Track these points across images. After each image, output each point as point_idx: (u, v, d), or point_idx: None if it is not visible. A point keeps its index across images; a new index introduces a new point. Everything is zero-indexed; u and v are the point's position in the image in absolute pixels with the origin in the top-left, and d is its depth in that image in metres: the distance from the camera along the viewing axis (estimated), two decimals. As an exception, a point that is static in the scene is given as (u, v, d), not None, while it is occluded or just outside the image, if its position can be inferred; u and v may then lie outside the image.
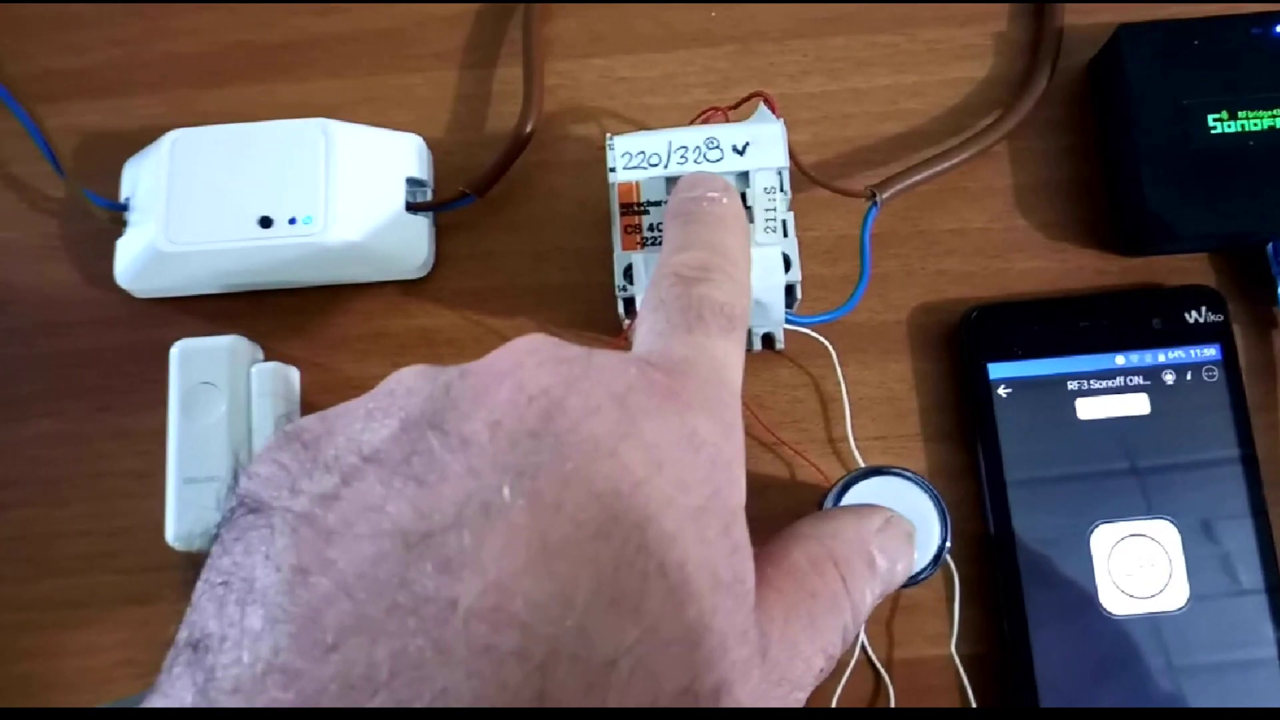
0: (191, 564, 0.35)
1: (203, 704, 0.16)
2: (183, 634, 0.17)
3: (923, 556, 0.29)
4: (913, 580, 0.30)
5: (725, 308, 0.23)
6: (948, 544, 0.29)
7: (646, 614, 0.17)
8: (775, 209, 0.32)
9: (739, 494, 0.21)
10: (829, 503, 0.30)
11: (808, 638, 0.22)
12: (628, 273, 0.31)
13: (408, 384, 0.20)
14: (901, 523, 0.26)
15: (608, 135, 0.32)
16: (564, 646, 0.16)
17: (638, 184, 0.32)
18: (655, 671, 0.17)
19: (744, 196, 0.32)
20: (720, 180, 0.28)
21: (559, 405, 0.19)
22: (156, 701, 0.16)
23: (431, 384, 0.20)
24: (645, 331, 0.23)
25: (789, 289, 0.32)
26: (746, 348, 0.35)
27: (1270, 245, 0.35)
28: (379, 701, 0.15)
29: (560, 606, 0.17)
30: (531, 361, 0.20)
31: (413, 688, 0.15)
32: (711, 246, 0.25)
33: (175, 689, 0.16)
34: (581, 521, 0.18)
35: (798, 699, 0.21)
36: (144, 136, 0.37)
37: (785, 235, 0.32)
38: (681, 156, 0.32)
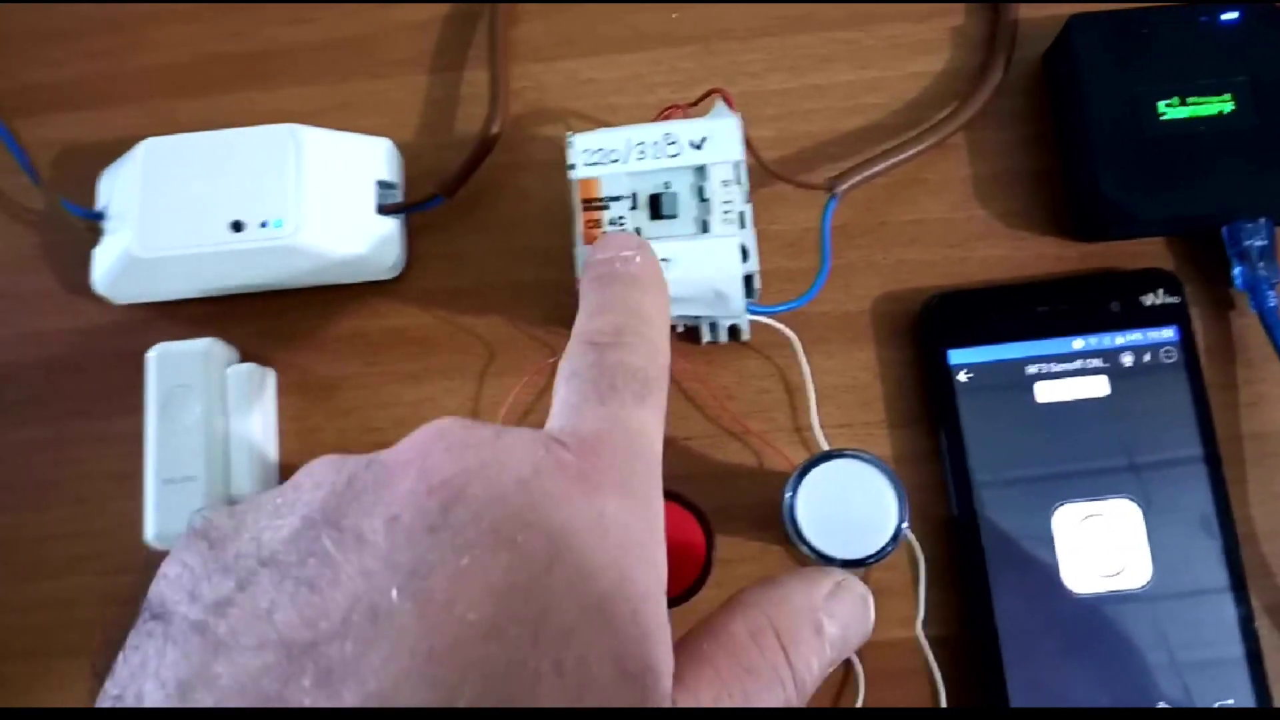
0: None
1: None
2: None
3: (882, 535, 0.30)
4: (875, 557, 0.30)
5: (639, 373, 0.23)
6: (905, 523, 0.30)
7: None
8: (732, 201, 0.32)
9: (653, 573, 0.20)
10: (789, 487, 0.31)
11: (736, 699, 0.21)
12: (589, 266, 0.32)
13: (315, 477, 0.20)
14: (854, 585, 0.25)
15: (567, 133, 0.33)
16: None
17: (598, 180, 0.33)
18: None
19: (701, 190, 0.33)
20: (633, 239, 0.27)
21: (460, 495, 0.19)
22: None
23: (336, 476, 0.20)
24: (559, 404, 0.23)
25: (748, 279, 0.33)
26: (713, 339, 0.36)
27: (1224, 228, 0.36)
28: None
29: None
30: (437, 449, 0.20)
31: None
32: (624, 308, 0.25)
33: None
34: (472, 621, 0.17)
35: None
36: (120, 147, 0.38)
37: (742, 226, 0.32)
38: (640, 152, 0.33)
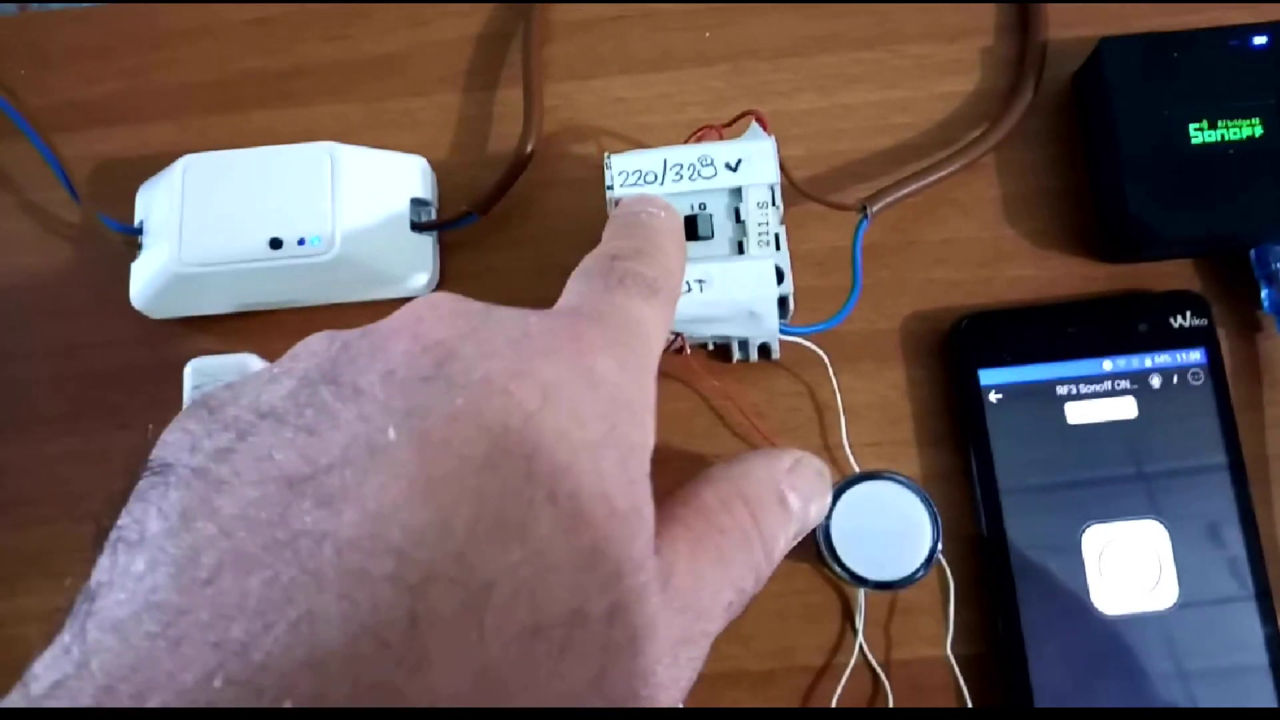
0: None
1: (79, 643, 0.16)
2: (87, 585, 0.17)
3: (916, 558, 0.30)
4: (906, 580, 0.31)
5: (649, 279, 0.24)
6: (939, 545, 0.30)
7: (532, 539, 0.18)
8: (768, 223, 0.33)
9: (641, 433, 0.21)
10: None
11: (716, 571, 0.22)
12: (625, 287, 0.32)
13: (311, 346, 0.21)
14: (812, 461, 0.26)
15: (605, 154, 0.33)
16: (440, 570, 0.17)
17: (634, 201, 0.33)
18: (540, 593, 0.18)
19: (737, 212, 0.33)
20: (663, 200, 0.28)
21: (453, 353, 0.19)
22: (45, 651, 0.17)
23: (331, 343, 0.20)
24: (565, 295, 0.24)
25: (782, 300, 0.33)
26: (743, 357, 0.36)
27: (1252, 251, 0.36)
28: (239, 627, 0.16)
29: (439, 534, 0.17)
30: (431, 316, 0.20)
31: (279, 610, 0.16)
32: (645, 238, 0.26)
33: (63, 636, 0.17)
34: (467, 455, 0.18)
35: (705, 630, 0.21)
36: (157, 162, 0.38)
37: (778, 248, 0.33)
38: (676, 174, 0.33)
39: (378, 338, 0.20)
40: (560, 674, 0.18)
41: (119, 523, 0.18)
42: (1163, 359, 0.36)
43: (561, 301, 0.23)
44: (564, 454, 0.19)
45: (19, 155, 0.41)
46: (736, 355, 0.37)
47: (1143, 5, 0.40)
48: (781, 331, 0.34)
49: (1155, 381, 0.36)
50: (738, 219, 0.33)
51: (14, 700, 0.17)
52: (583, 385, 0.20)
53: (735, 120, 0.35)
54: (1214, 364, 0.36)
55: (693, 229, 0.33)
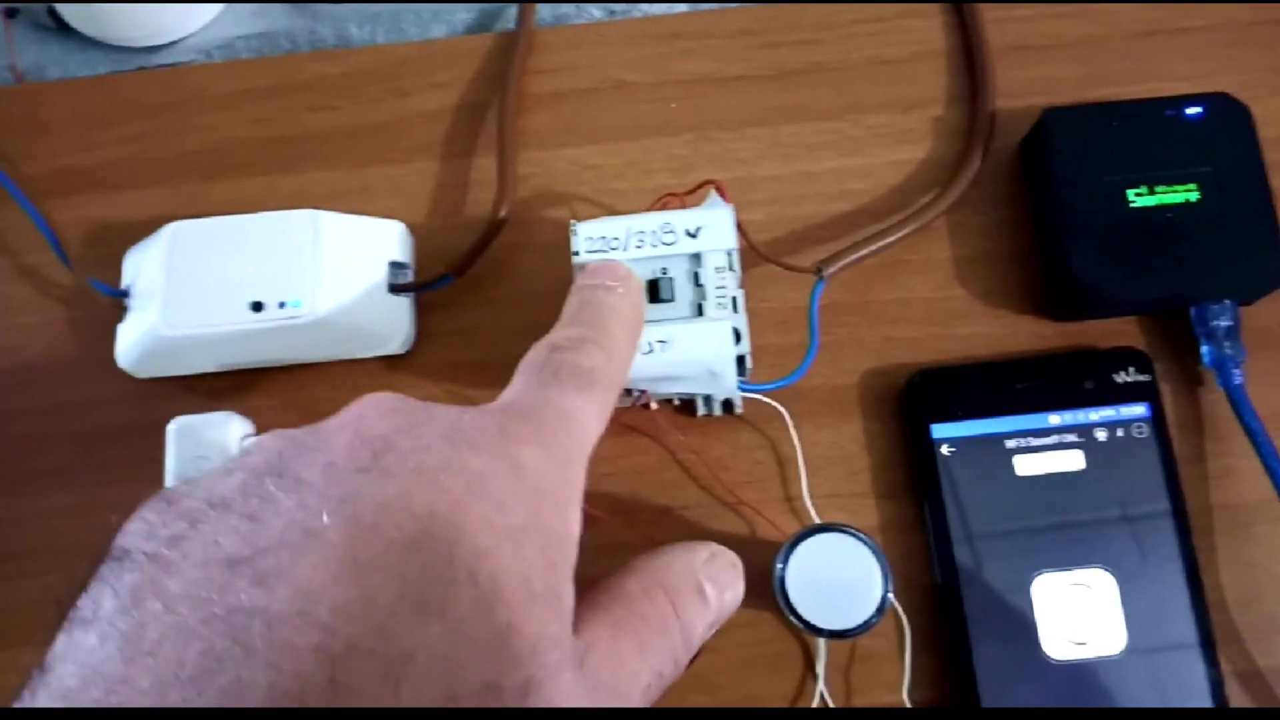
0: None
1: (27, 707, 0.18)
2: (44, 660, 0.19)
3: (867, 607, 0.32)
4: (860, 629, 0.32)
5: (586, 371, 0.26)
6: (889, 593, 0.32)
7: (451, 616, 0.19)
8: (725, 286, 0.34)
9: (563, 521, 0.23)
10: (779, 559, 0.33)
11: (634, 654, 0.24)
12: (590, 347, 0.34)
13: (263, 444, 0.22)
14: (727, 554, 0.28)
15: (571, 222, 0.35)
16: (362, 642, 0.18)
17: (599, 266, 0.35)
18: (456, 665, 0.19)
19: (697, 276, 0.35)
20: (621, 269, 0.30)
21: (389, 445, 0.21)
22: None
23: (281, 440, 0.22)
24: (507, 389, 0.26)
25: (740, 359, 0.35)
26: (707, 412, 0.38)
27: (1192, 309, 0.38)
28: (176, 693, 0.17)
29: (363, 609, 0.19)
30: (373, 413, 0.23)
31: (211, 677, 0.18)
32: (593, 325, 0.28)
33: (18, 707, 0.18)
34: (394, 539, 0.20)
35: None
36: (149, 227, 0.40)
37: (735, 310, 0.35)
38: (639, 240, 0.35)
39: (323, 434, 0.22)
40: None
41: (78, 604, 0.20)
42: (1108, 413, 0.37)
43: (503, 396, 0.25)
44: (486, 539, 0.20)
45: (14, 221, 0.43)
46: (701, 410, 0.38)
47: (1087, 77, 0.42)
48: (740, 389, 0.35)
49: (1101, 435, 0.37)
50: (697, 283, 0.35)
51: None
52: (508, 476, 0.22)
53: (696, 189, 0.37)
54: (1157, 418, 0.37)
55: (655, 292, 0.35)
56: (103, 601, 0.19)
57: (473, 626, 0.20)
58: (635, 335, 0.29)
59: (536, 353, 0.27)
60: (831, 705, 0.36)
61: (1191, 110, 0.39)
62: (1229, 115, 0.39)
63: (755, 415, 0.39)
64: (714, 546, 0.28)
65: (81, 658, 0.19)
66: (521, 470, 0.22)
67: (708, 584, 0.27)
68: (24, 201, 0.42)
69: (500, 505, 0.21)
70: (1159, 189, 0.38)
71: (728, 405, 0.38)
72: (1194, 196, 0.38)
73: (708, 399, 0.38)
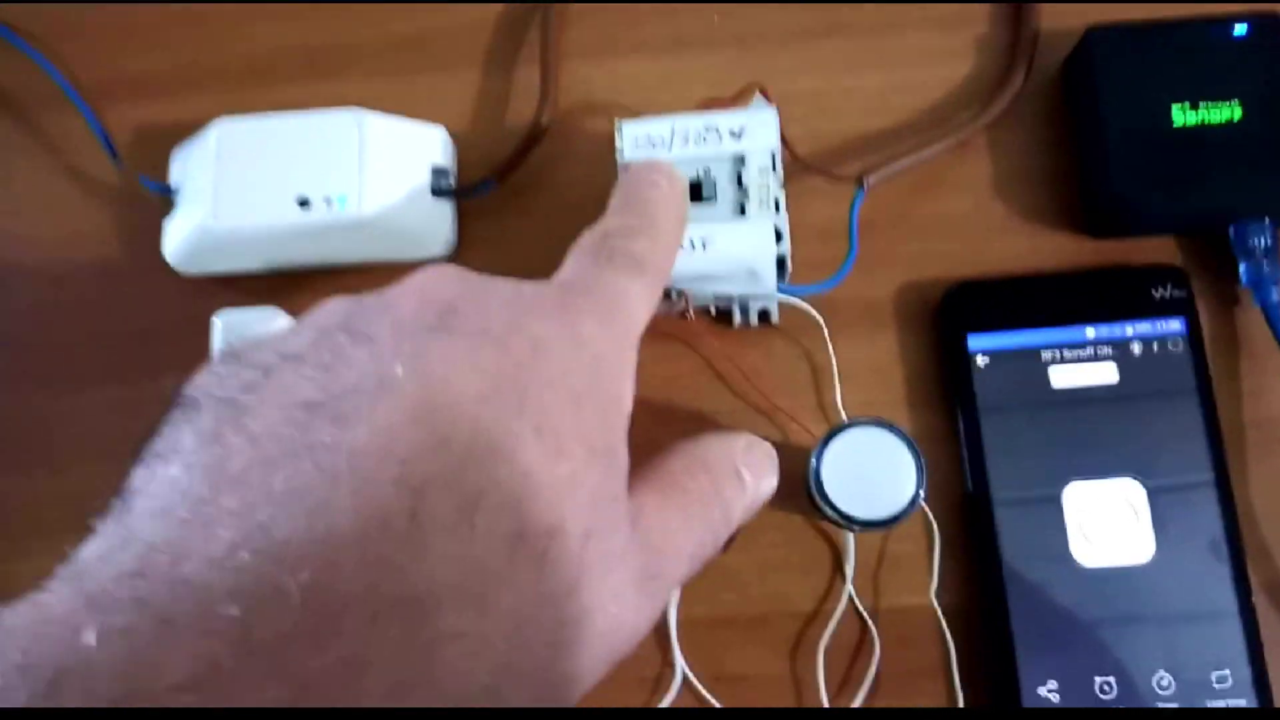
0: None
1: (120, 528, 0.18)
2: (124, 488, 0.20)
3: (902, 498, 0.32)
4: (892, 520, 0.32)
5: (637, 256, 0.27)
6: (923, 487, 0.32)
7: (519, 463, 0.20)
8: (768, 187, 0.35)
9: (619, 389, 0.24)
10: (814, 455, 0.33)
11: (680, 522, 0.25)
12: (633, 244, 0.34)
13: (328, 306, 0.23)
14: (763, 444, 0.29)
15: (616, 120, 0.35)
16: (439, 479, 0.19)
17: (643, 165, 0.35)
18: (524, 506, 0.20)
19: (740, 177, 0.35)
20: (666, 166, 0.30)
21: (454, 309, 0.22)
22: (89, 541, 0.19)
23: (346, 303, 0.23)
24: (560, 270, 0.27)
25: (780, 261, 0.35)
26: (744, 322, 0.38)
27: (1231, 227, 0.38)
28: (264, 514, 0.18)
29: (438, 450, 0.20)
30: (436, 280, 0.24)
31: (298, 500, 0.18)
32: (641, 214, 0.28)
33: (106, 527, 0.19)
34: (465, 391, 0.21)
35: (669, 571, 0.24)
36: (193, 129, 0.41)
37: (777, 211, 0.35)
38: (684, 139, 0.35)
39: (388, 297, 0.23)
40: (540, 579, 0.20)
41: (153, 444, 0.21)
42: (1143, 328, 0.37)
43: (558, 274, 0.26)
44: (550, 398, 0.21)
45: (64, 125, 0.43)
46: (738, 319, 0.39)
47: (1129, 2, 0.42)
48: (780, 291, 0.36)
49: (1136, 349, 0.37)
50: (740, 184, 0.35)
51: (61, 575, 0.19)
52: (570, 343, 0.23)
53: (741, 92, 0.38)
54: (1193, 333, 0.37)
55: (697, 192, 0.35)
56: (182, 438, 0.20)
57: (538, 472, 0.20)
58: (680, 228, 0.30)
59: (589, 238, 0.27)
60: (859, 605, 0.36)
61: (1236, 29, 0.39)
62: (1274, 34, 0.39)
63: (791, 326, 0.39)
64: (750, 436, 0.29)
65: (165, 488, 0.19)
66: (581, 339, 0.23)
67: (745, 469, 0.28)
68: (80, 102, 0.42)
69: (563, 369, 0.22)
70: (1202, 106, 0.38)
71: (764, 315, 0.39)
72: (1236, 115, 0.38)
73: (744, 309, 0.38)
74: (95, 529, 0.20)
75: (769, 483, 0.29)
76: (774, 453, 0.30)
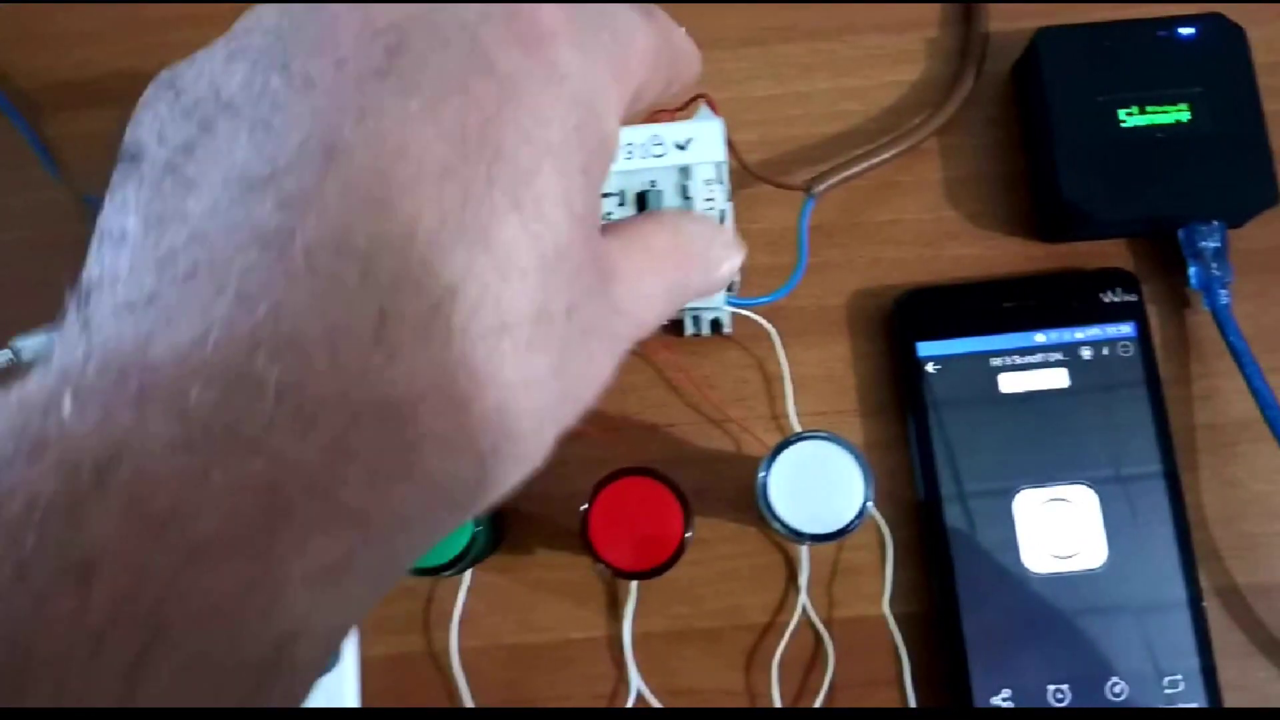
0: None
1: (83, 332, 0.17)
2: (80, 280, 0.18)
3: (849, 511, 0.32)
4: (843, 531, 0.32)
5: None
6: (870, 500, 0.32)
7: (497, 244, 0.18)
8: (714, 199, 0.35)
9: (603, 130, 0.21)
10: (762, 468, 0.33)
11: (652, 278, 0.22)
12: (578, 258, 0.34)
13: (264, 19, 0.20)
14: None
15: (560, 134, 0.35)
16: (406, 274, 0.17)
17: (588, 178, 0.35)
18: (505, 295, 0.18)
19: (685, 189, 0.35)
20: None
21: (404, 41, 0.19)
22: (57, 341, 0.17)
23: (284, 20, 0.20)
24: None
25: (727, 272, 0.35)
26: (695, 332, 0.38)
27: (1180, 230, 0.38)
28: (222, 307, 0.17)
29: (402, 241, 0.18)
30: None
31: (258, 298, 0.17)
32: None
33: (66, 330, 0.18)
34: (425, 162, 0.18)
35: (625, 346, 0.22)
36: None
37: (723, 223, 0.35)
38: (629, 151, 0.35)
39: (329, 16, 0.19)
40: (526, 364, 0.19)
41: (103, 215, 0.19)
42: (1093, 332, 0.37)
43: None
44: (525, 158, 0.19)
45: (16, 137, 0.43)
46: (690, 329, 0.38)
47: (1080, 3, 0.42)
48: (728, 304, 0.36)
49: (1086, 353, 0.37)
50: (686, 195, 0.35)
51: (36, 370, 0.18)
52: (544, 81, 0.19)
53: (687, 104, 0.37)
54: (1143, 337, 0.37)
55: (643, 205, 0.35)
56: (127, 220, 0.18)
57: (519, 255, 0.18)
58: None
59: None
60: (814, 617, 0.36)
61: (1184, 30, 0.39)
62: (1222, 35, 0.39)
63: (743, 335, 0.39)
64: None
65: (120, 287, 0.18)
66: (559, 73, 0.20)
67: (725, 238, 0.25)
68: (15, 116, 0.42)
69: (537, 116, 0.19)
70: (1150, 109, 0.38)
71: (715, 325, 0.38)
72: (1185, 117, 0.38)
73: (696, 318, 0.38)
74: (60, 328, 0.19)
75: (731, 266, 0.25)
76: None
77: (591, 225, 0.20)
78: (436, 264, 0.18)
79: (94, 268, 0.19)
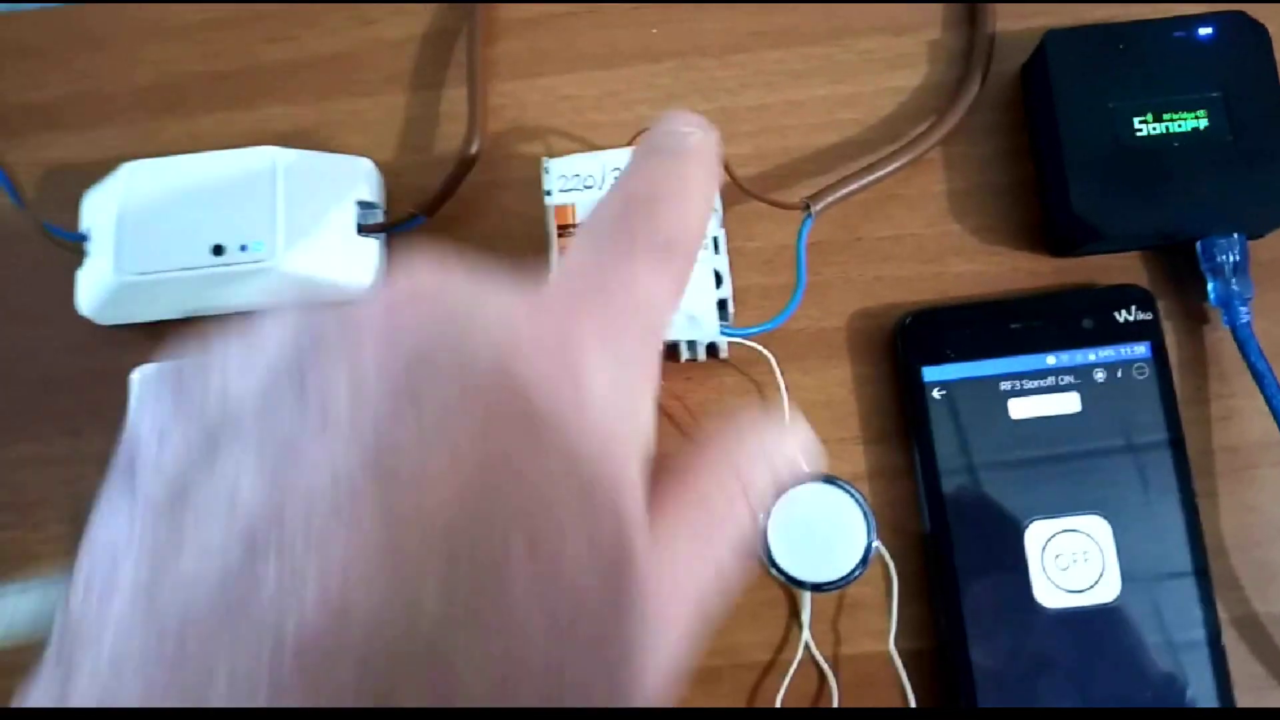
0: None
1: (63, 686, 0.16)
2: (58, 626, 0.17)
3: (851, 558, 0.31)
4: (843, 581, 0.31)
5: (664, 233, 0.21)
6: (874, 544, 0.30)
7: (510, 596, 0.17)
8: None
9: (635, 445, 0.19)
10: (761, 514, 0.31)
11: (693, 546, 0.20)
12: (563, 292, 0.32)
13: (284, 327, 0.19)
14: (801, 427, 0.23)
15: (543, 159, 0.33)
16: (408, 671, 0.16)
17: (573, 206, 0.33)
18: (513, 656, 0.17)
19: (675, 214, 0.33)
20: (695, 117, 0.24)
21: (427, 357, 0.18)
22: (31, 691, 0.17)
23: (304, 330, 0.19)
24: (568, 256, 0.21)
25: (721, 303, 0.33)
26: (691, 357, 0.36)
27: (1199, 243, 0.36)
28: (216, 694, 0.16)
29: (406, 620, 0.16)
30: (409, 308, 0.18)
31: (245, 692, 0.16)
32: (666, 173, 0.22)
33: (43, 679, 0.17)
34: (438, 509, 0.17)
35: (678, 652, 0.20)
36: (106, 167, 0.38)
37: (716, 252, 0.33)
38: (615, 176, 0.33)
39: (351, 329, 0.18)
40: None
41: (93, 535, 0.18)
42: (1107, 353, 0.36)
43: (563, 263, 0.21)
44: (548, 493, 0.17)
45: (-32, 161, 0.41)
46: (685, 354, 0.37)
47: (1092, 1, 0.39)
48: (723, 333, 0.34)
49: (1099, 376, 0.36)
50: (675, 222, 0.33)
51: None
52: (573, 411, 0.18)
53: (675, 121, 0.35)
54: (1158, 357, 0.36)
55: (631, 232, 0.33)
56: (120, 568, 0.17)
57: (532, 609, 0.17)
58: (713, 188, 0.24)
59: (602, 209, 0.22)
60: (817, 655, 0.35)
61: (1203, 31, 0.36)
62: (1243, 35, 0.36)
63: (740, 359, 0.37)
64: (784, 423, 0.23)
65: (105, 648, 0.17)
66: (587, 397, 0.18)
67: (775, 456, 0.22)
68: (-28, 142, 0.40)
69: (565, 455, 0.18)
70: (1166, 116, 0.36)
71: (712, 349, 0.37)
72: (1203, 124, 0.36)
73: (691, 343, 0.36)
74: (34, 679, 0.17)
75: (791, 472, 0.23)
76: (810, 436, 0.23)
77: (624, 567, 0.18)
78: (442, 648, 0.16)
79: (77, 608, 0.17)
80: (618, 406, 0.19)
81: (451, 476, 0.17)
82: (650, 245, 0.20)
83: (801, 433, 0.23)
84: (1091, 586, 0.34)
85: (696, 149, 0.23)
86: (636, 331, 0.20)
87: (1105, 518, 0.35)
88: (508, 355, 0.18)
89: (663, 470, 0.21)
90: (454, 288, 0.19)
